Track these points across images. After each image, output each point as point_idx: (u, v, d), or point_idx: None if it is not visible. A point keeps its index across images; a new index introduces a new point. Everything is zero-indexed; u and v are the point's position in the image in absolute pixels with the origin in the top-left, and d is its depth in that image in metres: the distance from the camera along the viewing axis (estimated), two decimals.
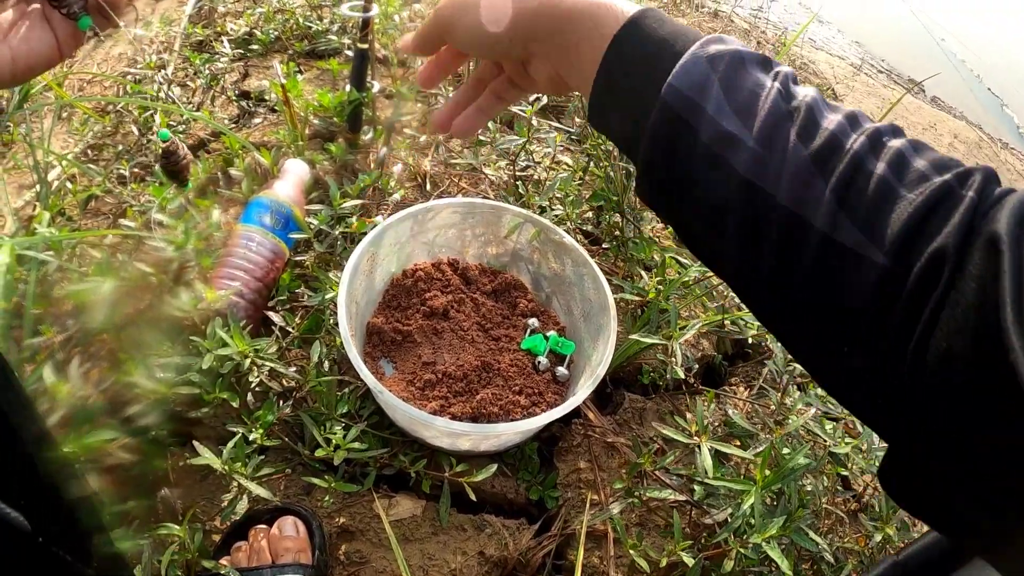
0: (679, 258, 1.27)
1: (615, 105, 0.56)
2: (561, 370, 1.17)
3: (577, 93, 0.75)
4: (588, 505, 1.07)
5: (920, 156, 0.46)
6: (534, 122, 1.28)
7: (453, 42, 0.65)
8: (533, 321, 1.22)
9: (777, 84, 0.49)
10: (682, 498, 1.06)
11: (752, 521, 0.93)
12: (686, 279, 1.22)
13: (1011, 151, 3.84)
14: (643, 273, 1.30)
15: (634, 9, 0.55)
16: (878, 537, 1.10)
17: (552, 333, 1.21)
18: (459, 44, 0.65)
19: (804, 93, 0.49)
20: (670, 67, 0.50)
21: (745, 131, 0.48)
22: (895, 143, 0.46)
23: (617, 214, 1.34)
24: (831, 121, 0.47)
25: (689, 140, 0.49)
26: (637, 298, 1.19)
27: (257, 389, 1.07)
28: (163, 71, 1.69)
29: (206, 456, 0.92)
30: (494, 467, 1.04)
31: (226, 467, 0.93)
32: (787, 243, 0.46)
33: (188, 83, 1.72)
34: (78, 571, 0.59)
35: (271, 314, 1.12)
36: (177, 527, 0.87)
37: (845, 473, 1.18)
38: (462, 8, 0.62)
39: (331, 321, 1.14)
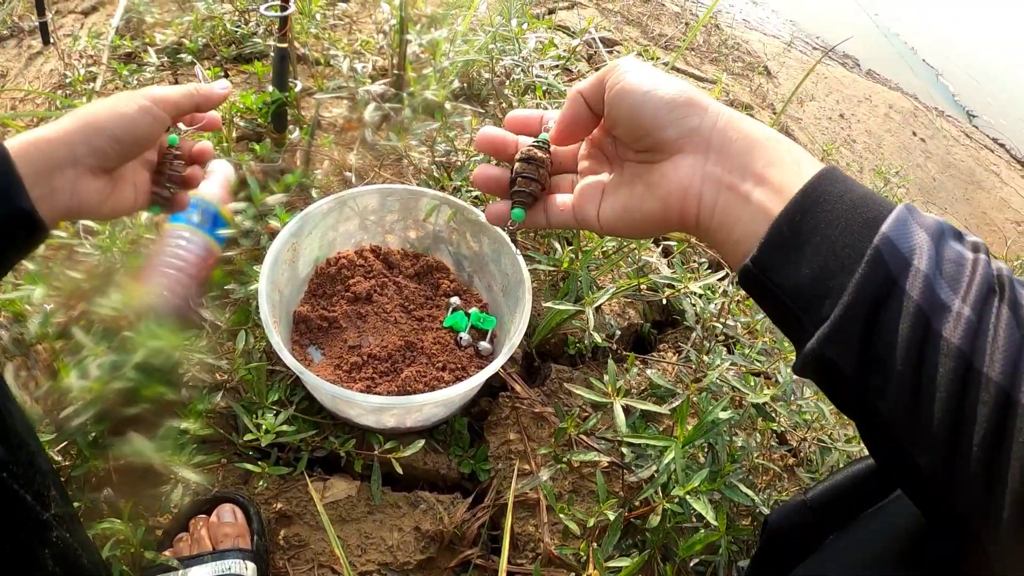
0: None
1: (798, 256, 0.50)
2: (483, 344, 1.20)
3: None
4: (517, 474, 1.10)
5: None
6: (448, 107, 1.31)
7: (610, 98, 0.59)
8: (455, 300, 1.25)
9: (981, 255, 0.47)
10: (608, 459, 1.09)
11: (676, 476, 0.96)
12: (604, 248, 1.25)
13: (946, 118, 3.93)
14: (557, 246, 1.34)
15: (808, 163, 0.53)
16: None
17: (474, 310, 1.24)
18: (614, 98, 0.58)
19: (999, 266, 0.47)
20: (880, 221, 0.48)
21: (957, 299, 0.45)
22: None
23: None
24: None
25: (900, 301, 0.46)
26: (552, 269, 1.22)
27: (191, 384, 1.09)
28: (93, 83, 1.70)
29: (140, 447, 0.94)
30: (421, 442, 1.06)
31: (160, 457, 0.95)
32: (999, 421, 0.43)
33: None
34: (36, 513, 0.62)
35: (199, 310, 1.13)
36: (119, 522, 0.89)
37: (780, 429, 1.21)
38: (644, 66, 0.58)
39: (257, 313, 1.16)
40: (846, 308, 0.47)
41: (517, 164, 0.64)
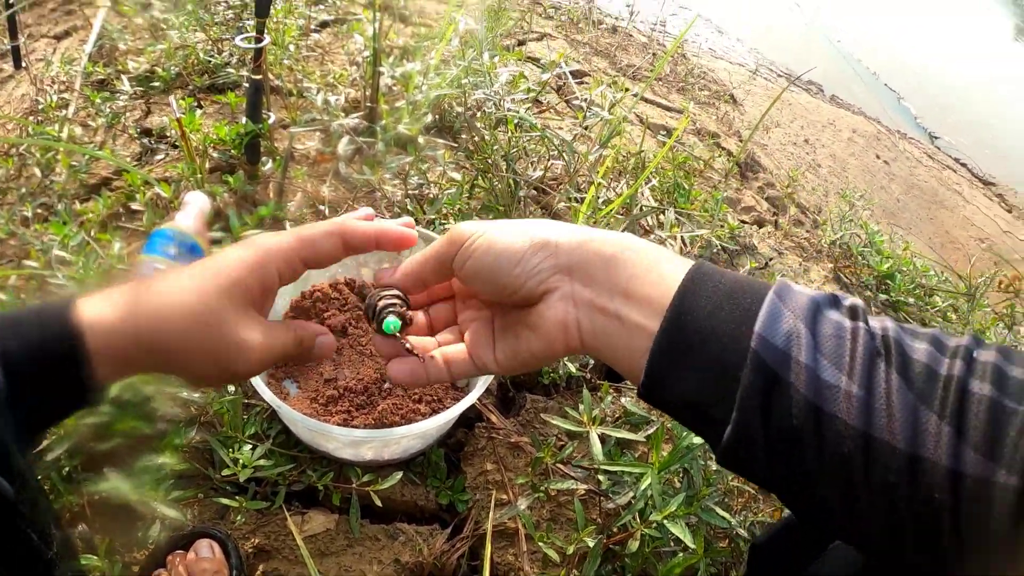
0: None
1: (682, 365, 0.50)
2: None
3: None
4: (494, 504, 1.11)
5: (1013, 364, 0.45)
6: (420, 140, 1.32)
7: (463, 268, 0.58)
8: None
9: (860, 323, 0.47)
10: (585, 487, 1.10)
11: (653, 501, 0.98)
12: None
13: (909, 140, 4.01)
14: None
15: (678, 258, 0.53)
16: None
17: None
18: (470, 271, 0.58)
19: (883, 326, 0.48)
20: (753, 315, 0.48)
21: (844, 377, 0.45)
22: (986, 357, 0.46)
23: None
24: (920, 351, 0.46)
25: (788, 395, 0.46)
26: None
27: (165, 418, 1.08)
28: (65, 110, 1.70)
29: (115, 484, 0.94)
30: (399, 475, 1.07)
31: (136, 493, 0.94)
32: (914, 487, 0.44)
33: (89, 123, 1.73)
34: (42, 552, 0.60)
35: None
36: (96, 559, 0.89)
37: None
38: (488, 228, 0.58)
39: None
40: (740, 414, 0.47)
41: (373, 295, 0.62)
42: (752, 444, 0.48)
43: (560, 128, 1.85)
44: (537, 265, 0.55)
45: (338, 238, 0.59)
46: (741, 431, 0.47)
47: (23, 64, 1.84)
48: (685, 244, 1.56)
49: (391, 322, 0.60)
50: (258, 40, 1.35)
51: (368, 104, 1.58)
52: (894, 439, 0.43)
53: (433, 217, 1.36)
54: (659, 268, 0.53)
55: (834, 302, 0.49)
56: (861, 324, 0.47)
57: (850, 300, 0.50)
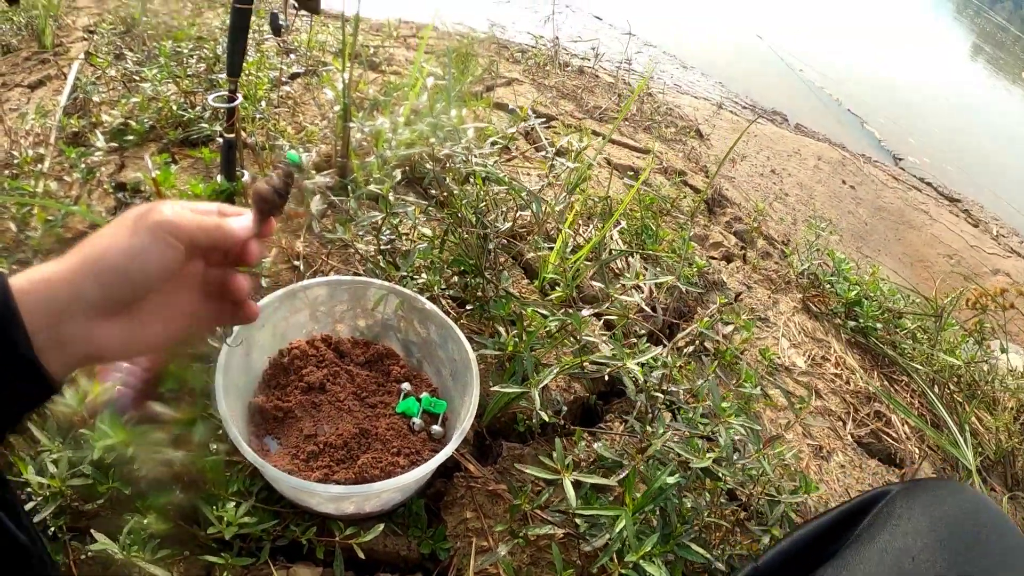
0: (540, 311, 1.35)
1: None
2: (436, 428, 1.24)
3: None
4: (475, 552, 1.14)
5: None
6: (391, 198, 1.36)
7: None
8: (406, 386, 1.29)
9: None
10: (563, 531, 1.13)
11: (628, 542, 1.01)
12: (547, 327, 1.31)
13: (874, 164, 4.10)
14: (502, 330, 1.39)
15: None
16: (766, 540, 1.19)
17: (425, 395, 1.28)
18: None
19: None
20: None
21: None
22: None
23: (478, 276, 1.43)
24: None
25: None
26: (498, 352, 1.27)
27: (148, 477, 1.10)
28: (40, 164, 1.72)
29: (104, 544, 0.95)
30: (381, 526, 1.09)
31: (124, 553, 0.96)
32: None
33: (64, 177, 1.74)
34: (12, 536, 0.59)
35: (153, 404, 1.14)
36: None
37: (729, 486, 1.26)
38: None
39: (212, 405, 1.17)
40: None
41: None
42: None
43: (529, 174, 1.90)
44: None
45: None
46: None
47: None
48: (653, 291, 1.60)
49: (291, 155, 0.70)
50: (230, 99, 1.38)
51: (339, 159, 1.61)
52: None
53: (407, 272, 1.39)
54: None
55: None
56: None
57: None
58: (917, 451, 1.87)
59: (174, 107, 1.95)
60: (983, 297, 2.31)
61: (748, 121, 3.82)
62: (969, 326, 2.36)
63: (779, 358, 1.96)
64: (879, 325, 2.28)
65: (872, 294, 2.36)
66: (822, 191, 3.52)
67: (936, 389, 2.07)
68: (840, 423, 1.86)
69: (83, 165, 1.74)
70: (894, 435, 1.90)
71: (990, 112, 5.95)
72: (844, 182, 3.72)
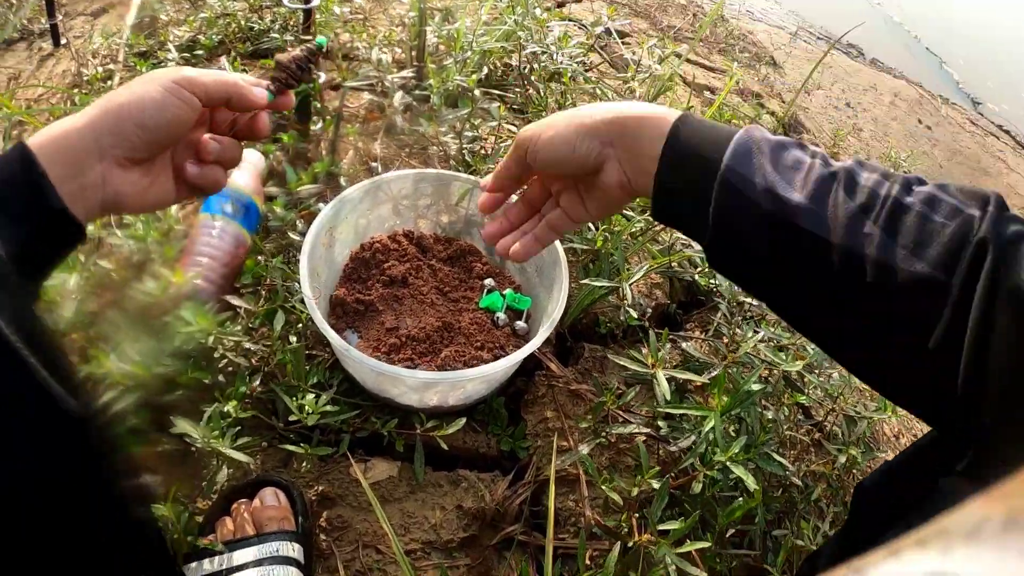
0: (623, 212, 1.31)
1: (678, 193, 0.67)
2: (520, 324, 1.21)
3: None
4: (556, 451, 1.11)
5: (947, 193, 0.57)
6: (477, 94, 1.32)
7: (535, 162, 0.77)
8: (489, 281, 1.27)
9: (817, 160, 0.60)
10: (646, 430, 1.10)
11: (716, 444, 0.97)
12: (632, 230, 1.27)
13: (951, 106, 3.93)
14: (590, 225, 1.34)
15: (678, 113, 0.67)
16: (843, 459, 1.15)
17: (509, 290, 1.25)
18: (541, 163, 0.76)
19: (840, 164, 0.60)
20: (723, 152, 0.62)
21: (797, 194, 0.58)
22: (924, 188, 0.57)
23: None
24: (868, 179, 0.58)
25: (752, 210, 0.59)
26: (586, 247, 1.24)
27: (228, 368, 1.10)
28: (110, 81, 1.71)
29: (185, 428, 0.95)
30: (463, 420, 1.07)
31: (204, 440, 0.95)
32: (848, 273, 0.56)
33: None
34: (116, 476, 0.62)
35: (231, 298, 1.13)
36: (162, 507, 0.89)
37: (805, 403, 1.22)
38: (544, 127, 0.74)
39: (295, 298, 1.16)
40: (714, 228, 0.63)
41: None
42: (729, 252, 0.64)
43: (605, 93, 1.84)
44: (588, 146, 0.71)
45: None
46: (718, 243, 0.64)
47: (62, 41, 1.85)
48: None
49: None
50: (307, 0, 1.35)
51: (415, 64, 1.57)
52: (833, 236, 0.56)
53: (491, 168, 1.35)
54: (662, 128, 0.67)
55: (801, 145, 0.63)
56: (818, 161, 0.60)
57: (815, 147, 0.62)
58: None
59: (243, 21, 1.92)
60: None
61: (823, 51, 3.68)
62: None
63: None
64: None
65: None
66: (897, 129, 3.39)
67: None
68: None
69: None
70: None
71: None
72: (920, 122, 3.58)
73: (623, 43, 2.25)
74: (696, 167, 0.63)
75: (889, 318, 0.56)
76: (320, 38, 0.83)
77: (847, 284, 0.57)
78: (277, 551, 0.93)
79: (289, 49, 0.79)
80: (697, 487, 0.99)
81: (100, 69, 1.73)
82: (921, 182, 0.58)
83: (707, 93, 2.41)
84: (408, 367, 1.11)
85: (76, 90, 1.71)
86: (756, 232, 0.60)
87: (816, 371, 1.18)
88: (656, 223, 1.31)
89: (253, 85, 0.76)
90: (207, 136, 0.77)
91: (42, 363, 0.50)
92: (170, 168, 0.75)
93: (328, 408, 1.04)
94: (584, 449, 1.09)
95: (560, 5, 2.52)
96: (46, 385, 0.50)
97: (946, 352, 0.52)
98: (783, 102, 2.76)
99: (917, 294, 0.53)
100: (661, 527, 0.94)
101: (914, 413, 0.63)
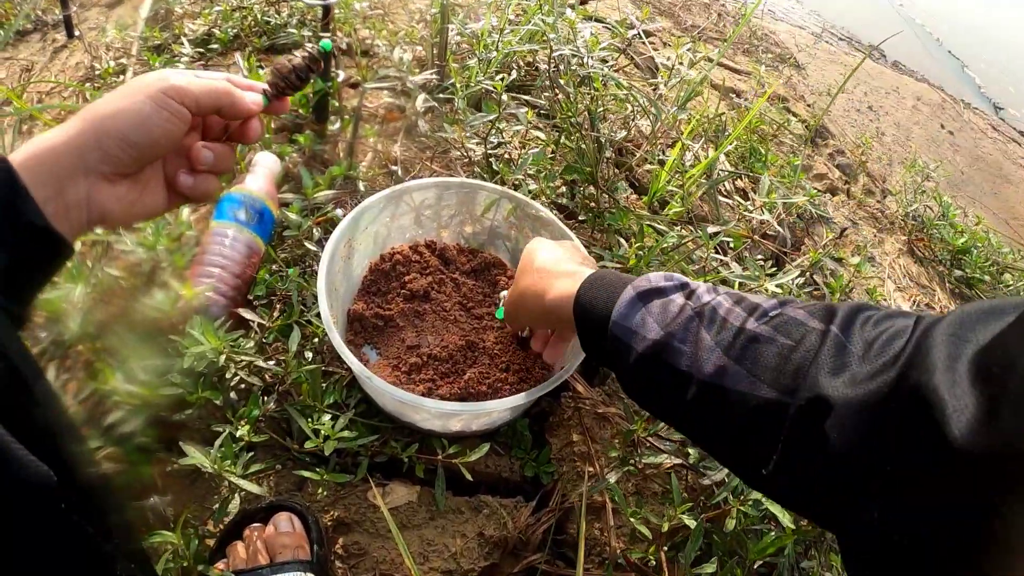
0: (656, 225, 1.26)
1: (590, 345, 0.78)
2: None
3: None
4: (586, 477, 1.07)
5: (788, 308, 0.63)
6: (504, 98, 1.26)
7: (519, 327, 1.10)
8: (504, 294, 1.21)
9: (689, 302, 0.68)
10: (678, 461, 1.05)
11: None
12: (664, 246, 1.21)
13: (973, 111, 3.88)
14: (622, 241, 1.29)
15: (578, 286, 0.79)
16: None
17: None
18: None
19: (709, 298, 0.67)
20: (611, 310, 0.71)
21: (663, 333, 0.66)
22: (768, 305, 0.64)
23: (591, 186, 1.33)
24: (728, 311, 0.64)
25: (632, 355, 0.68)
26: (619, 264, 1.18)
27: (240, 386, 1.05)
28: (123, 75, 1.66)
29: (195, 456, 0.90)
30: (487, 446, 1.03)
31: (215, 466, 0.90)
32: (710, 403, 0.62)
33: None
34: (98, 546, 0.55)
35: (243, 311, 1.08)
36: (171, 534, 0.85)
37: None
38: (511, 314, 0.98)
39: (311, 312, 1.12)
40: (613, 367, 0.73)
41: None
42: (626, 385, 0.73)
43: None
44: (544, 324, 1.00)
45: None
46: (621, 380, 0.74)
47: (76, 33, 1.80)
48: (779, 210, 1.49)
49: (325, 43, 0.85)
50: None
51: (436, 63, 1.52)
52: (699, 371, 0.62)
53: (520, 178, 1.30)
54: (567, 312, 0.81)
55: (682, 285, 0.71)
56: (690, 303, 0.68)
57: (696, 284, 0.71)
58: None
59: (258, 15, 1.87)
60: None
61: (845, 53, 3.63)
62: None
63: (885, 299, 1.85)
64: (986, 278, 2.14)
65: (979, 244, 2.22)
66: (919, 134, 3.34)
67: None
68: None
69: None
70: None
71: None
72: (943, 126, 3.52)
73: (648, 43, 2.20)
74: (594, 326, 0.75)
75: (746, 441, 0.60)
76: (325, 42, 0.80)
77: (712, 414, 0.62)
78: None
79: (295, 54, 0.77)
80: (731, 524, 0.95)
81: (113, 63, 1.69)
82: (783, 303, 0.64)
83: (732, 96, 2.36)
84: (430, 388, 1.06)
85: (88, 84, 1.66)
86: (635, 371, 0.69)
87: None
88: (688, 240, 1.26)
89: (247, 88, 0.74)
90: (200, 144, 0.73)
91: (10, 422, 0.45)
92: (161, 176, 0.72)
93: (345, 434, 0.99)
94: (612, 477, 1.03)
95: (583, 2, 2.46)
96: (7, 451, 0.45)
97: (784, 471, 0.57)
98: (808, 105, 2.71)
99: (762, 417, 0.57)
100: (695, 570, 0.89)
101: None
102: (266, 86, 0.77)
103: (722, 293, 0.68)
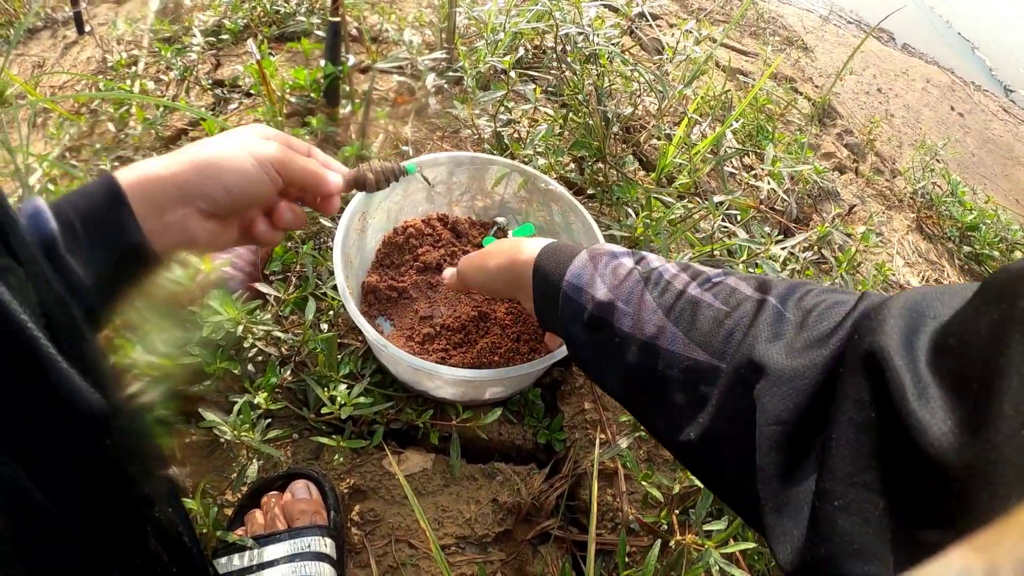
0: (663, 198, 1.28)
1: (545, 309, 0.78)
2: None
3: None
4: (597, 444, 1.08)
5: (730, 277, 0.64)
6: (512, 74, 1.28)
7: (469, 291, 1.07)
8: (502, 219, 1.25)
9: (637, 267, 0.70)
10: None
11: None
12: (671, 217, 1.23)
13: (984, 93, 3.86)
14: (630, 212, 1.30)
15: (536, 252, 0.80)
16: None
17: (529, 223, 1.19)
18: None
19: (657, 264, 0.70)
20: (565, 272, 0.73)
21: (614, 298, 0.67)
22: (713, 273, 0.66)
23: (599, 161, 1.35)
24: (674, 276, 0.67)
25: (584, 315, 0.70)
26: (626, 234, 1.20)
27: (257, 358, 1.07)
28: (135, 67, 1.69)
29: (214, 421, 0.92)
30: (499, 410, 1.04)
31: (235, 432, 0.93)
32: (647, 365, 0.63)
33: (161, 77, 1.71)
34: (139, 488, 0.57)
35: (260, 285, 1.11)
36: (191, 502, 0.87)
37: None
38: (467, 271, 0.92)
39: (327, 284, 1.14)
40: (564, 329, 0.73)
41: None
42: (575, 347, 0.73)
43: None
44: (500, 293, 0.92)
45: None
46: (568, 340, 0.73)
47: (86, 29, 1.83)
48: (785, 180, 1.50)
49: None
50: None
51: (445, 46, 1.54)
52: (640, 332, 0.64)
53: (528, 153, 1.32)
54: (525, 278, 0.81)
55: (633, 254, 0.73)
56: (638, 267, 0.70)
57: (644, 253, 0.73)
58: None
59: (268, 4, 1.89)
60: None
61: (853, 36, 3.62)
62: None
63: (894, 275, 1.85)
64: (995, 254, 2.14)
65: (988, 221, 2.22)
66: (929, 115, 3.33)
67: None
68: None
69: (179, 64, 1.70)
70: None
71: None
72: (953, 108, 3.51)
73: (655, 25, 2.21)
74: (550, 287, 0.76)
75: (673, 403, 0.61)
76: (411, 165, 0.94)
77: (647, 373, 0.64)
78: (309, 546, 0.90)
79: (383, 162, 0.91)
80: None
81: (124, 55, 1.71)
82: (727, 273, 0.66)
83: (740, 77, 2.36)
84: (443, 358, 1.08)
85: (100, 77, 1.69)
86: (586, 333, 0.70)
87: None
88: (696, 211, 1.27)
89: (333, 169, 0.84)
90: (284, 205, 0.82)
91: (67, 354, 0.47)
92: (238, 218, 0.79)
93: (360, 400, 1.01)
94: (623, 443, 1.05)
95: None
96: (67, 379, 0.47)
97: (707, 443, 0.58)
98: (816, 87, 2.71)
99: (693, 378, 0.59)
100: (706, 527, 0.91)
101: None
102: (350, 171, 0.87)
103: (672, 263, 0.70)
